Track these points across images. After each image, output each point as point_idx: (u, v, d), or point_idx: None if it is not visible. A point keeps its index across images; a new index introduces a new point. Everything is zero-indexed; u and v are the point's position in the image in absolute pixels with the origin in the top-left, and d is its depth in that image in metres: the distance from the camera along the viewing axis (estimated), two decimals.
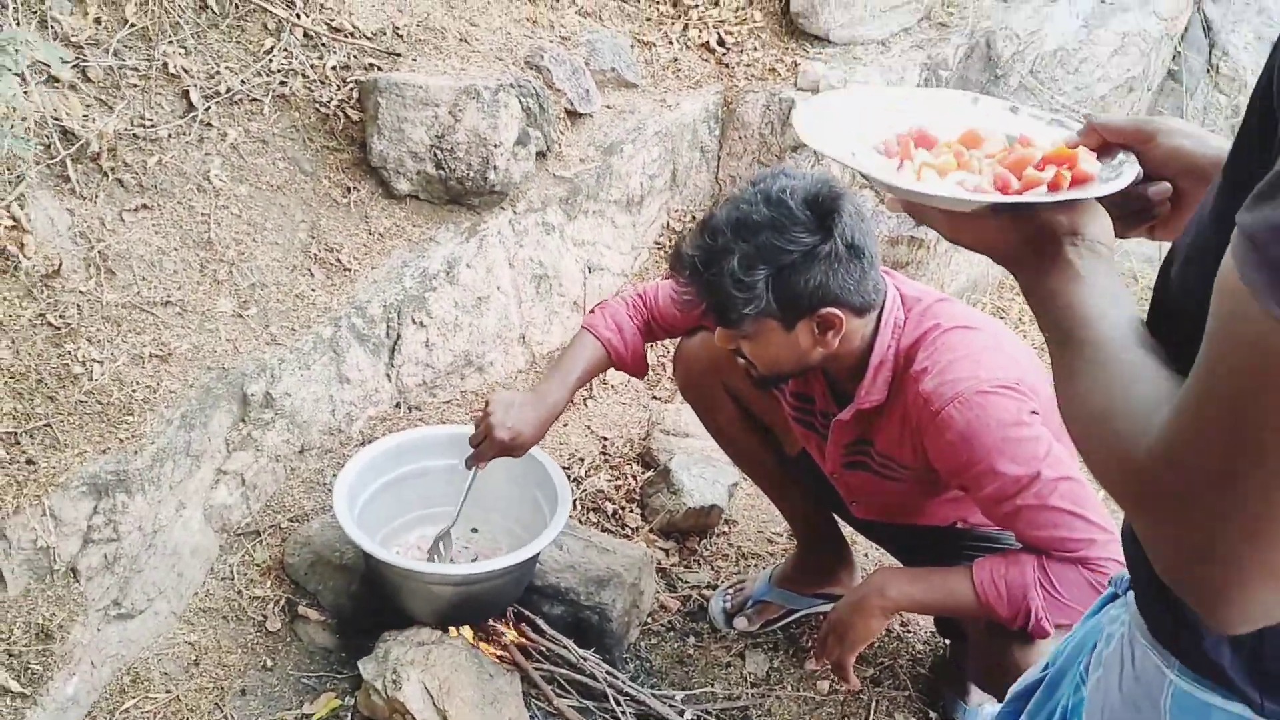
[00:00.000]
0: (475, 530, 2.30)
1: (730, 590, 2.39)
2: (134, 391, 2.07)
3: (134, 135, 2.42)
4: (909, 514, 1.93)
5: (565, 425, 2.90)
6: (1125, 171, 0.94)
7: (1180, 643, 0.83)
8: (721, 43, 3.62)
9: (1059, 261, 0.86)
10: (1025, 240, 0.88)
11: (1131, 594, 0.93)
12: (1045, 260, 0.87)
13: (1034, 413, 1.62)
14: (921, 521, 1.93)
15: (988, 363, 1.65)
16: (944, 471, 1.68)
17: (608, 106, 3.27)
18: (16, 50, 2.03)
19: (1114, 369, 0.77)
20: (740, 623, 2.32)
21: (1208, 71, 4.77)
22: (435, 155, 2.66)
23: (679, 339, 2.16)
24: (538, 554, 1.99)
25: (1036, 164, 0.95)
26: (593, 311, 2.16)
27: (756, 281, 1.57)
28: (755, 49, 3.62)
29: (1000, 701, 1.82)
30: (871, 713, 2.15)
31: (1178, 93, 4.68)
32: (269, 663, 2.07)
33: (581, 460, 2.76)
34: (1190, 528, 0.64)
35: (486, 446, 1.98)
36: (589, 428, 2.91)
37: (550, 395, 2.01)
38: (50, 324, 2.09)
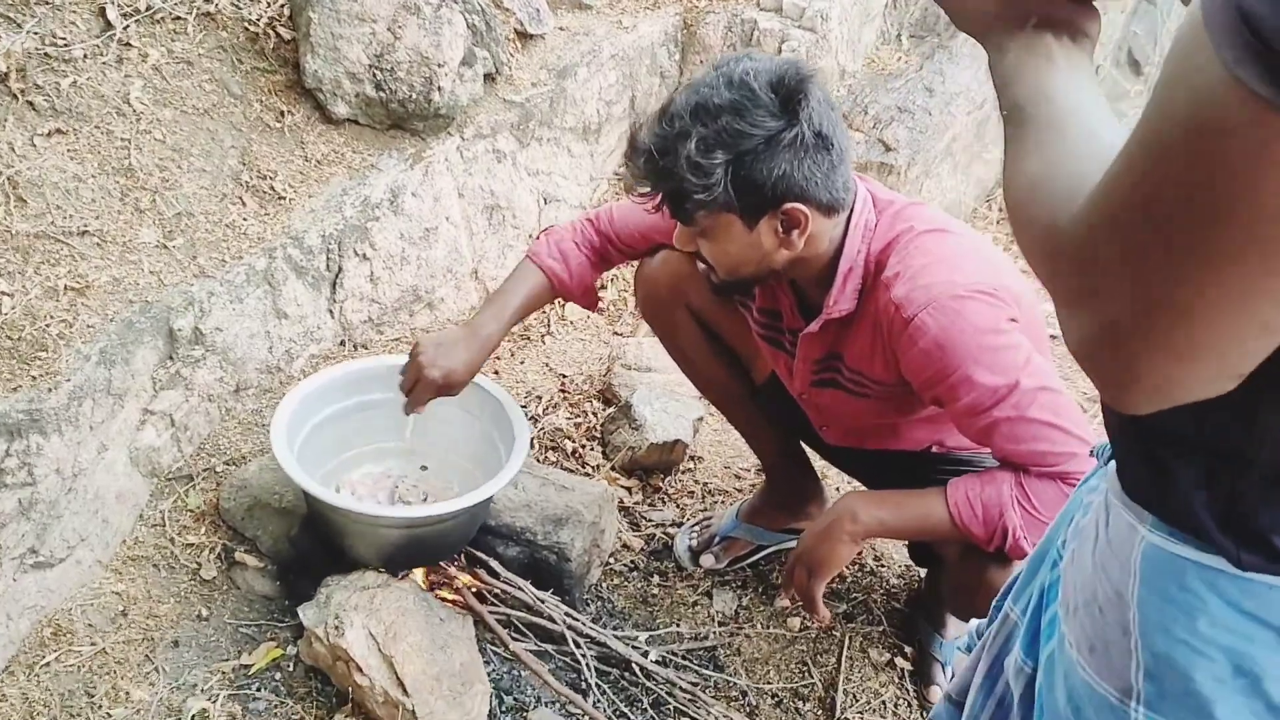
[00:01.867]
0: (425, 468, 2.17)
1: (696, 527, 2.28)
2: (48, 326, 1.92)
3: (45, 55, 2.24)
4: (882, 437, 1.81)
5: (522, 363, 2.78)
6: None
7: (1156, 492, 0.77)
8: None
9: (1036, 42, 0.79)
10: (1007, 3, 0.81)
11: (1112, 463, 0.86)
12: (1020, 34, 0.80)
13: (1012, 320, 1.51)
14: (895, 446, 1.82)
15: (964, 267, 1.53)
16: (917, 384, 1.57)
17: (560, 28, 3.11)
18: None
19: (1066, 142, 0.72)
20: (707, 560, 2.21)
21: None
22: (374, 76, 2.49)
23: (639, 261, 2.02)
24: (492, 495, 1.87)
25: None
26: (537, 238, 2.02)
27: (715, 167, 1.44)
28: None
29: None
30: (845, 649, 2.05)
31: (1151, 14, 4.56)
32: (204, 612, 1.93)
33: (539, 398, 2.63)
34: (1104, 298, 0.61)
35: (420, 390, 1.85)
36: (547, 365, 2.78)
37: (483, 329, 1.88)
38: None
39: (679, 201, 1.50)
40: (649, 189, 1.54)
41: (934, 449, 1.83)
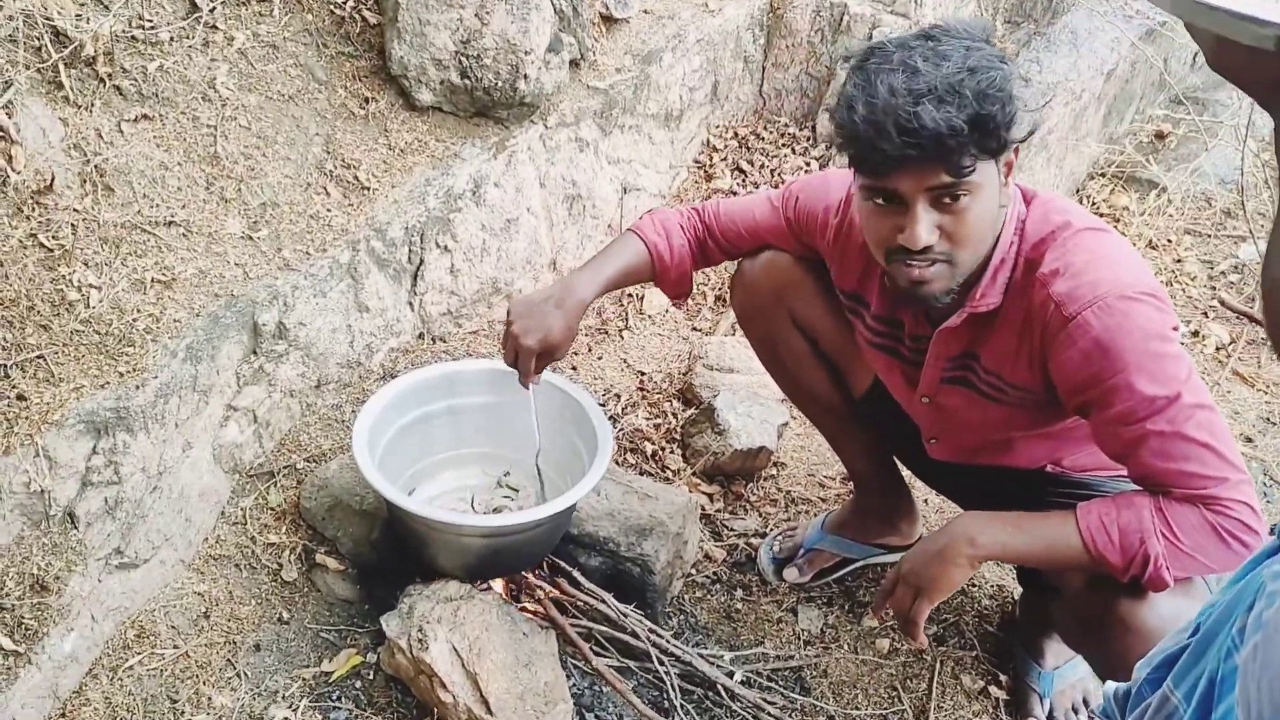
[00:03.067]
0: (507, 474, 2.12)
1: (779, 538, 2.21)
2: (135, 320, 1.89)
3: (132, 38, 2.20)
4: (996, 451, 1.72)
5: (600, 359, 2.72)
6: None
7: None
8: None
9: None
10: None
11: None
12: None
13: (1175, 329, 1.41)
14: (1007, 462, 1.73)
15: (1128, 267, 1.43)
16: (1067, 388, 1.46)
17: (645, 11, 3.03)
18: None
19: None
20: (791, 573, 2.15)
21: None
22: (460, 63, 2.42)
23: (739, 261, 1.94)
24: (575, 503, 1.81)
25: None
26: (642, 217, 1.94)
27: (1009, 87, 1.34)
28: None
29: (1097, 669, 1.66)
30: (936, 674, 1.98)
31: None
32: (285, 615, 1.91)
33: (617, 396, 2.57)
34: None
35: (524, 361, 1.77)
36: (625, 361, 2.72)
37: (576, 288, 1.79)
38: (42, 245, 1.91)
39: (1005, 127, 1.35)
40: (929, 144, 1.33)
41: (1048, 468, 1.73)
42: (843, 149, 1.43)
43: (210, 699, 1.76)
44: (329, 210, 2.25)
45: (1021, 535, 1.49)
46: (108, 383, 1.80)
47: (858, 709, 1.92)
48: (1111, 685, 1.24)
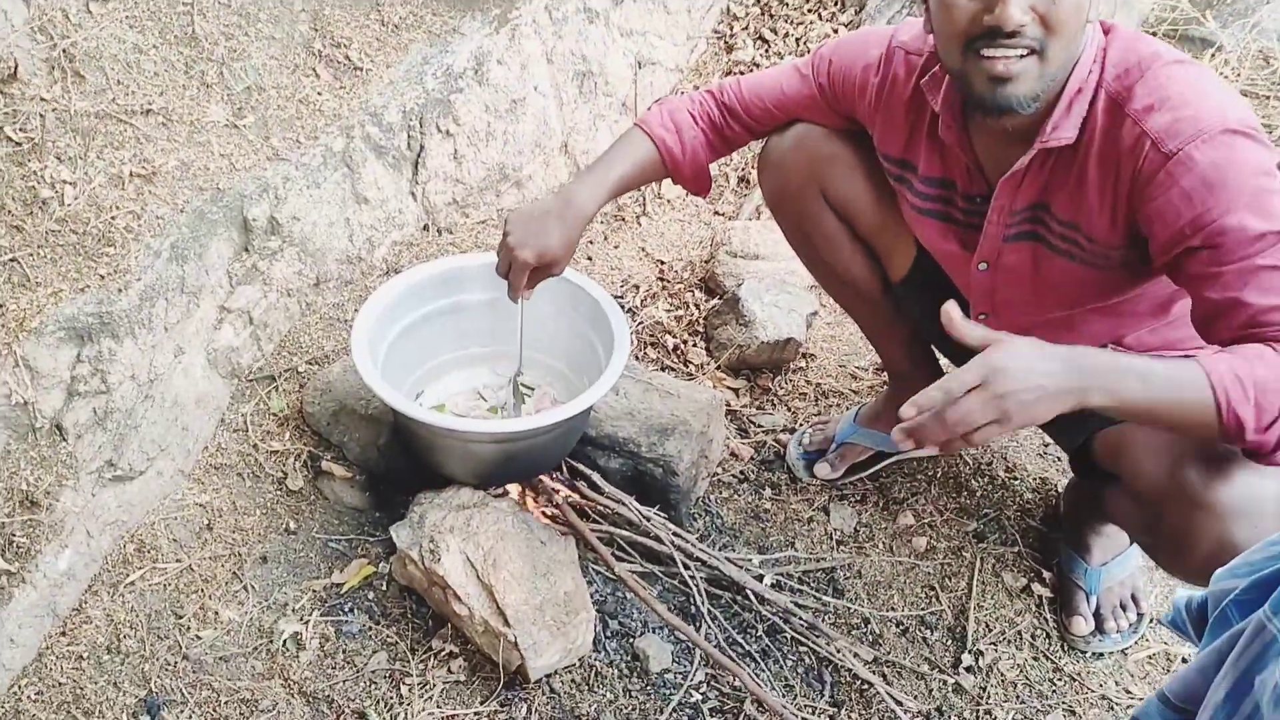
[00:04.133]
0: (520, 373, 2.01)
1: (810, 430, 2.10)
2: (114, 218, 1.76)
3: None
4: (1053, 331, 1.56)
5: (616, 247, 2.57)
6: None
7: None
8: None
9: None
10: None
11: None
12: None
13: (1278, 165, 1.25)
14: (1065, 341, 1.58)
15: (1229, 99, 1.28)
16: (1164, 237, 1.30)
17: None
18: None
19: None
20: (822, 469, 2.04)
21: None
22: None
23: (766, 140, 1.77)
24: (592, 405, 1.70)
25: None
26: (649, 109, 1.78)
27: None
28: None
29: (1161, 559, 1.53)
30: (976, 572, 1.88)
31: None
32: (292, 525, 1.83)
33: (636, 288, 2.43)
34: None
35: (516, 275, 1.65)
36: (643, 249, 2.58)
37: (578, 198, 1.65)
38: (10, 139, 1.77)
39: None
40: None
41: (1110, 348, 1.58)
42: None
43: (217, 613, 1.69)
44: (319, 94, 2.09)
45: (1146, 392, 1.21)
46: (88, 286, 1.68)
47: (893, 610, 1.83)
48: (1183, 594, 1.12)
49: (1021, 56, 1.29)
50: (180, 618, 1.68)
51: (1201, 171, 1.24)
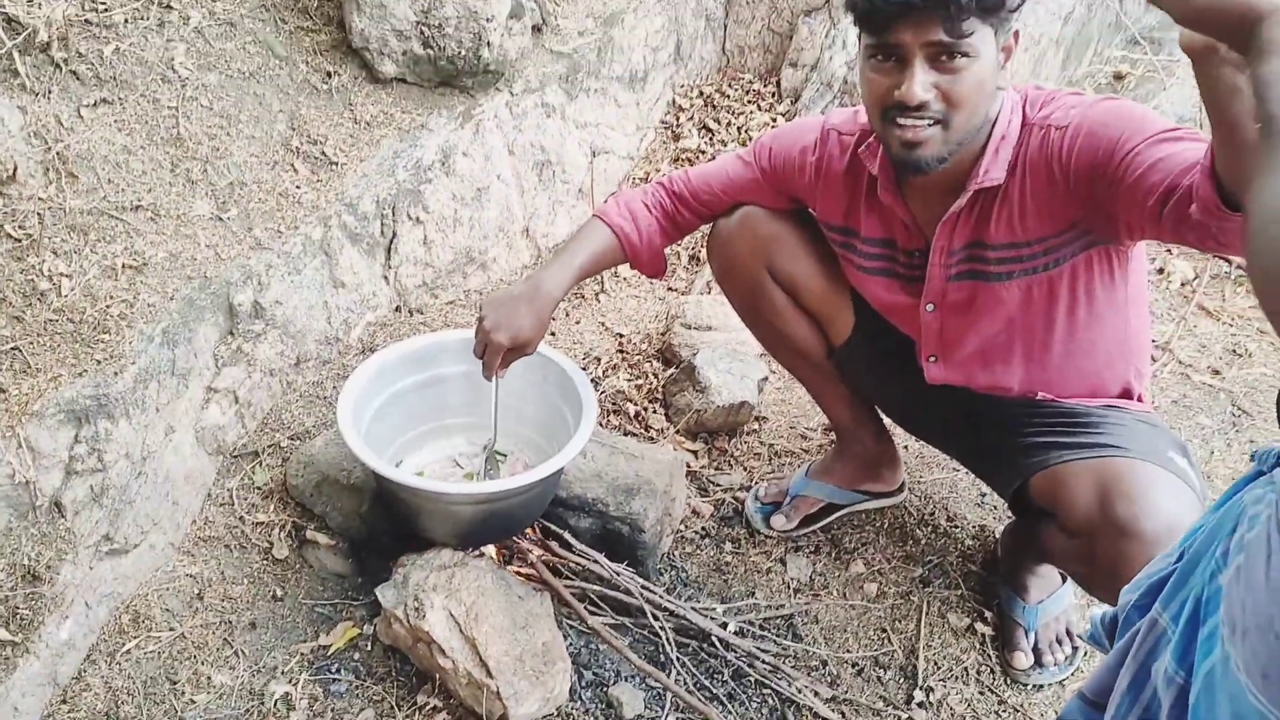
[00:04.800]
0: (494, 443, 2.13)
1: (765, 484, 2.24)
2: (108, 306, 1.88)
3: (86, 22, 2.17)
4: (993, 369, 1.75)
5: (578, 323, 2.72)
6: None
7: None
8: None
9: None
10: None
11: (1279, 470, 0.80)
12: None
13: None
14: (1001, 383, 1.76)
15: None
16: (1084, 177, 1.50)
17: None
18: None
19: None
20: (778, 521, 2.18)
21: None
22: (422, 33, 2.41)
23: (714, 222, 1.95)
24: (563, 467, 1.83)
25: None
26: (607, 200, 1.96)
27: None
28: None
29: (1091, 588, 1.68)
30: (924, 615, 2.02)
31: None
32: (279, 592, 1.92)
33: (598, 359, 2.58)
34: None
35: (490, 354, 1.80)
36: (603, 324, 2.73)
37: (546, 284, 1.82)
38: (10, 235, 1.89)
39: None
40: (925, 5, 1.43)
41: (1039, 395, 1.76)
42: (848, 7, 1.52)
43: (210, 678, 1.77)
44: (298, 187, 2.24)
45: None
46: (85, 371, 1.79)
47: (849, 652, 1.95)
48: (1098, 611, 1.28)
49: (929, 125, 1.50)
50: (175, 684, 1.76)
51: (1094, 119, 1.48)
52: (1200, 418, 2.55)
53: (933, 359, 1.82)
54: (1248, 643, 0.82)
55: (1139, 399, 1.77)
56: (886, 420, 2.15)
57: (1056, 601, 1.98)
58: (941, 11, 1.42)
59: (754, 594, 2.05)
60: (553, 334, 2.65)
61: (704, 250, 2.86)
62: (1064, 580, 1.98)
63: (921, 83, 1.47)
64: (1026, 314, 1.69)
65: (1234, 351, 2.77)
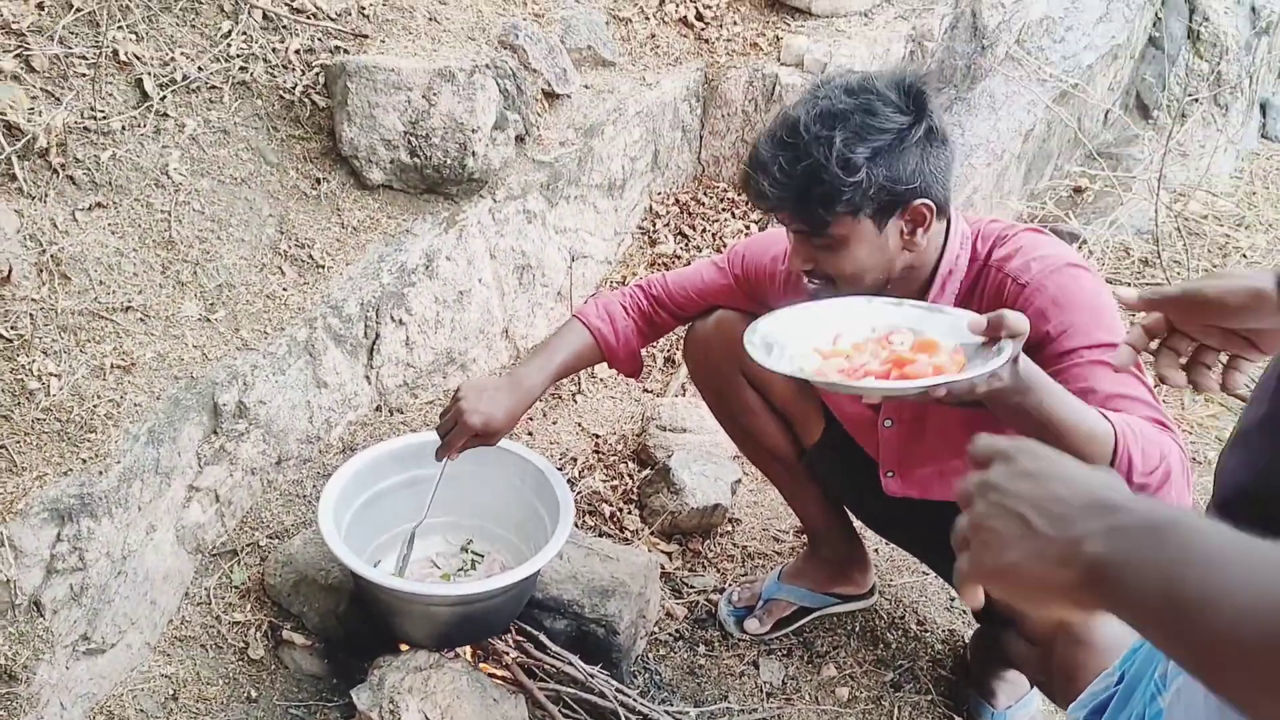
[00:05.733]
0: (470, 541, 2.16)
1: (738, 588, 2.27)
2: (96, 406, 1.91)
3: (85, 129, 2.25)
4: (950, 482, 1.80)
5: (555, 423, 2.77)
6: (1004, 350, 1.31)
7: None
8: (700, 17, 3.48)
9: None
10: None
11: None
12: None
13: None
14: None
15: (1066, 249, 1.60)
16: (1026, 347, 1.51)
17: (586, 86, 3.13)
18: None
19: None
20: (751, 624, 2.20)
21: (1188, 37, 4.70)
22: (409, 142, 2.50)
23: (691, 323, 2.03)
24: (540, 568, 1.86)
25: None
26: (586, 302, 2.03)
27: (860, 164, 1.47)
28: (735, 23, 3.49)
29: (1053, 694, 1.72)
30: (893, 719, 2.04)
31: (1159, 59, 4.61)
32: (253, 693, 1.92)
33: (574, 460, 2.63)
34: None
35: (456, 434, 1.85)
36: (580, 425, 2.78)
37: (526, 380, 1.89)
38: (1, 336, 1.93)
39: (825, 204, 1.50)
40: (777, 203, 1.55)
41: None
42: None
43: None
44: (285, 289, 2.30)
45: (1064, 408, 1.40)
46: (70, 470, 1.81)
47: None
48: (1023, 712, 1.31)
49: (820, 284, 1.62)
50: None
51: (1051, 294, 1.53)
52: None
53: (890, 474, 1.89)
54: None
55: None
56: (858, 523, 2.20)
57: (1024, 707, 2.01)
58: (789, 215, 1.55)
59: (727, 697, 2.06)
60: (529, 434, 2.70)
61: (679, 353, 2.95)
62: (1032, 686, 2.01)
63: (796, 257, 1.62)
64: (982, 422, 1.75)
65: (1194, 459, 2.86)
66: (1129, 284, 3.58)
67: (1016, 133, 3.62)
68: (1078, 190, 4.09)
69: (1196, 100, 4.63)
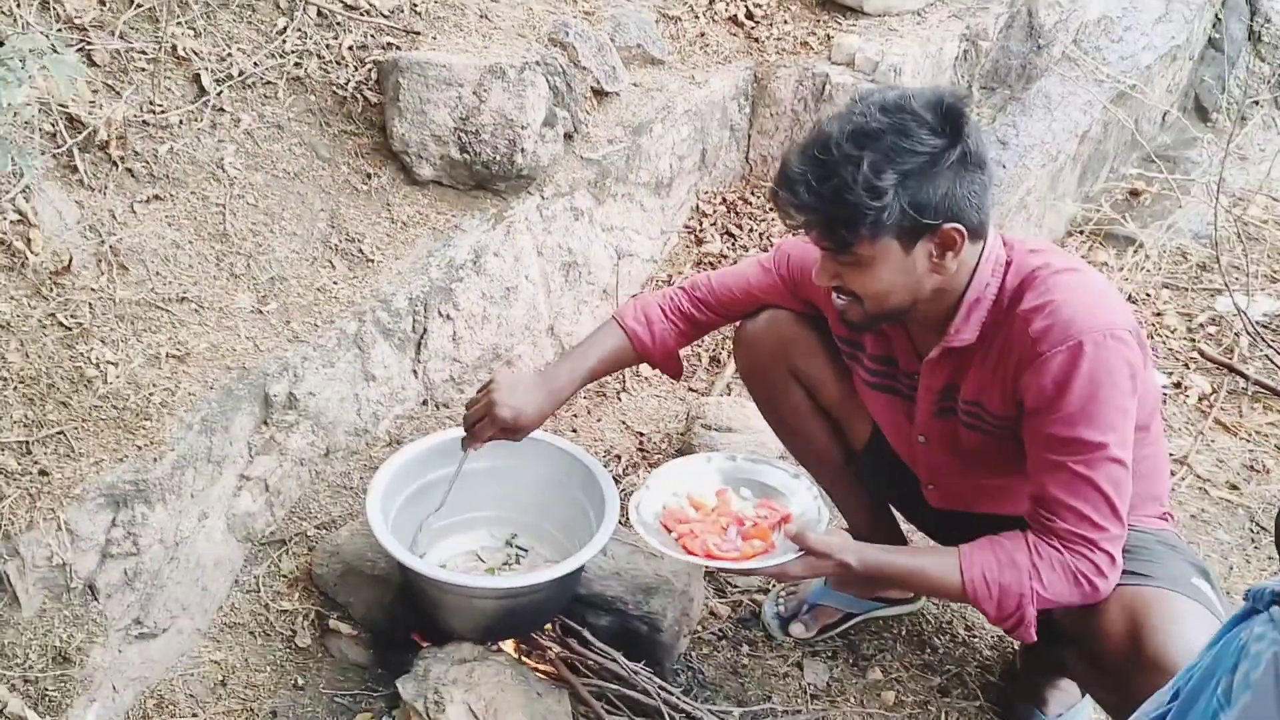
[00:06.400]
0: (515, 535, 2.17)
1: (783, 594, 2.25)
2: (151, 394, 1.94)
3: (144, 122, 2.29)
4: (993, 498, 1.77)
5: (599, 421, 2.77)
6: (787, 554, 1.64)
7: None
8: (750, 16, 3.46)
9: None
10: None
11: (1278, 608, 0.84)
12: None
13: (1132, 376, 1.52)
14: (1006, 510, 1.78)
15: (1102, 306, 1.54)
16: (1024, 410, 1.58)
17: (635, 84, 3.13)
18: (23, 63, 1.86)
19: None
20: (796, 629, 2.19)
21: (1249, 38, 4.61)
22: (459, 138, 2.51)
23: (740, 322, 2.02)
24: (584, 564, 1.86)
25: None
26: (627, 303, 2.03)
27: (887, 188, 1.44)
28: (785, 22, 3.47)
29: (1114, 714, 1.68)
30: None
31: (1219, 61, 4.51)
32: (300, 681, 1.94)
33: (618, 458, 2.62)
34: None
35: (485, 426, 1.85)
36: (624, 422, 2.78)
37: (558, 379, 1.90)
38: (61, 324, 1.97)
39: (849, 226, 1.48)
40: (803, 220, 1.53)
41: None
42: None
43: None
44: (335, 283, 2.32)
45: (901, 568, 1.65)
46: (126, 456, 1.84)
47: None
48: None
49: (848, 300, 1.61)
50: None
51: (1055, 376, 1.51)
52: (1219, 533, 2.57)
53: (931, 487, 1.87)
54: None
55: (1164, 518, 1.77)
56: (906, 527, 2.17)
57: (1076, 715, 1.97)
58: (815, 234, 1.53)
59: (770, 698, 2.05)
60: (574, 430, 2.70)
61: (724, 352, 2.94)
62: (1083, 694, 1.97)
63: (823, 273, 1.60)
64: (1012, 461, 1.69)
65: (1251, 467, 2.79)
66: (1186, 289, 3.51)
67: (1072, 134, 3.57)
68: (1134, 193, 4.02)
69: (1257, 103, 4.53)
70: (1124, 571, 1.59)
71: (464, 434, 1.90)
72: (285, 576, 2.09)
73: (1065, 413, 1.50)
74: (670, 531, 1.72)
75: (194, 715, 1.84)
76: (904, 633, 2.21)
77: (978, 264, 1.59)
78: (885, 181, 1.44)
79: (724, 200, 3.40)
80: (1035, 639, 1.59)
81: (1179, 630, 1.50)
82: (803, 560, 1.62)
